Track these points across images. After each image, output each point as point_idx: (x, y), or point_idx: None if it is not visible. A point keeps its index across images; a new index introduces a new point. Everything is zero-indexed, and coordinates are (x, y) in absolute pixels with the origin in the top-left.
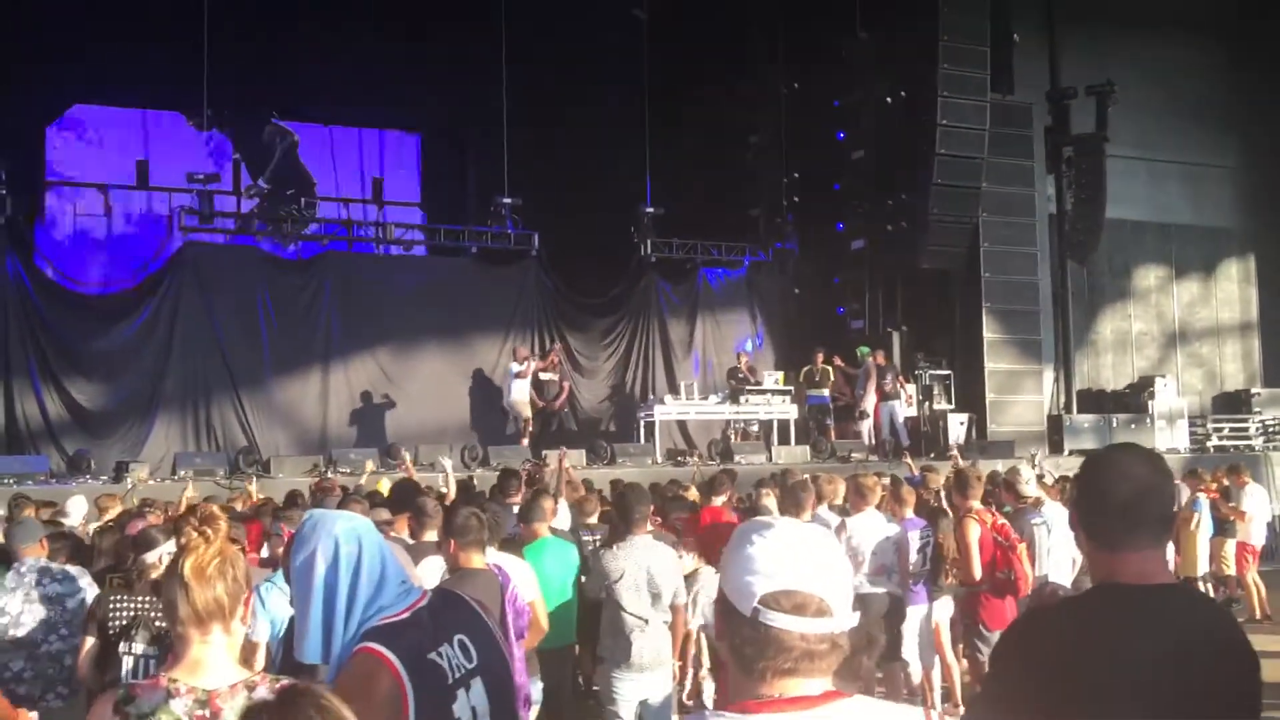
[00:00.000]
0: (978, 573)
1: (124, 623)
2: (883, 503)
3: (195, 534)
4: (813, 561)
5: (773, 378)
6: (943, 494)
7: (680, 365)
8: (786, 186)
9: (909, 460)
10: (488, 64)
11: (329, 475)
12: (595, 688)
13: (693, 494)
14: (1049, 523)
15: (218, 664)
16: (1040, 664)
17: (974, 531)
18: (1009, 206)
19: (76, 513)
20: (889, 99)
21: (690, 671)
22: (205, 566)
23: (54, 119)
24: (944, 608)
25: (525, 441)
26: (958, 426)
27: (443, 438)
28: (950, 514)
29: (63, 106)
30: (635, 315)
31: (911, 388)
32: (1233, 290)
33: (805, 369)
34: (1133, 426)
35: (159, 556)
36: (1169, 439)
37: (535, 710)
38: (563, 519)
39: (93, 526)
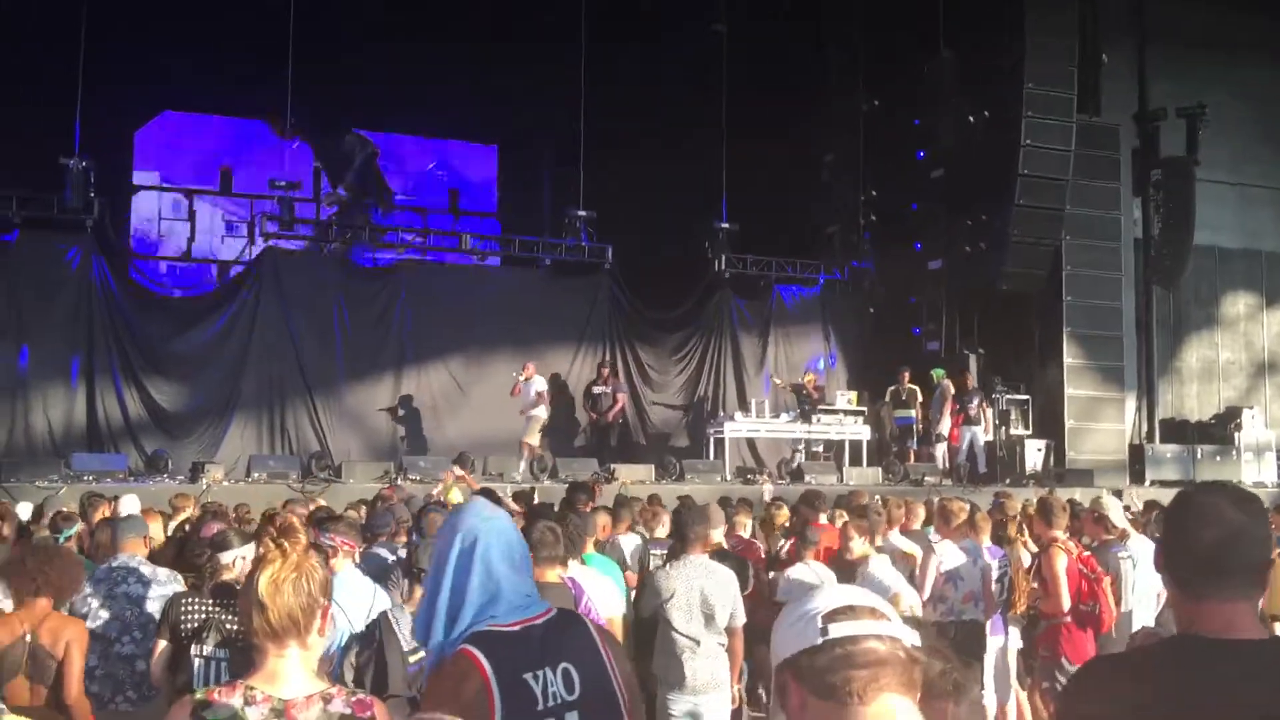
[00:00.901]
0: (1066, 604)
1: (195, 625)
2: (962, 529)
3: (273, 546)
4: (856, 589)
5: (845, 397)
6: (1020, 522)
7: (751, 382)
8: (863, 205)
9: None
10: (566, 77)
11: (399, 483)
12: None
13: (784, 514)
14: (1134, 557)
15: (294, 675)
16: (1108, 716)
17: (1061, 562)
18: (1093, 229)
19: (128, 510)
20: (971, 118)
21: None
22: (281, 580)
23: (142, 124)
24: (1014, 639)
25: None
26: (1035, 453)
27: (513, 449)
28: (1016, 542)
29: (151, 112)
30: (707, 331)
31: (989, 412)
32: None
33: (891, 389)
34: (1218, 459)
35: (234, 559)
36: (1256, 472)
37: None
38: None
39: (173, 525)
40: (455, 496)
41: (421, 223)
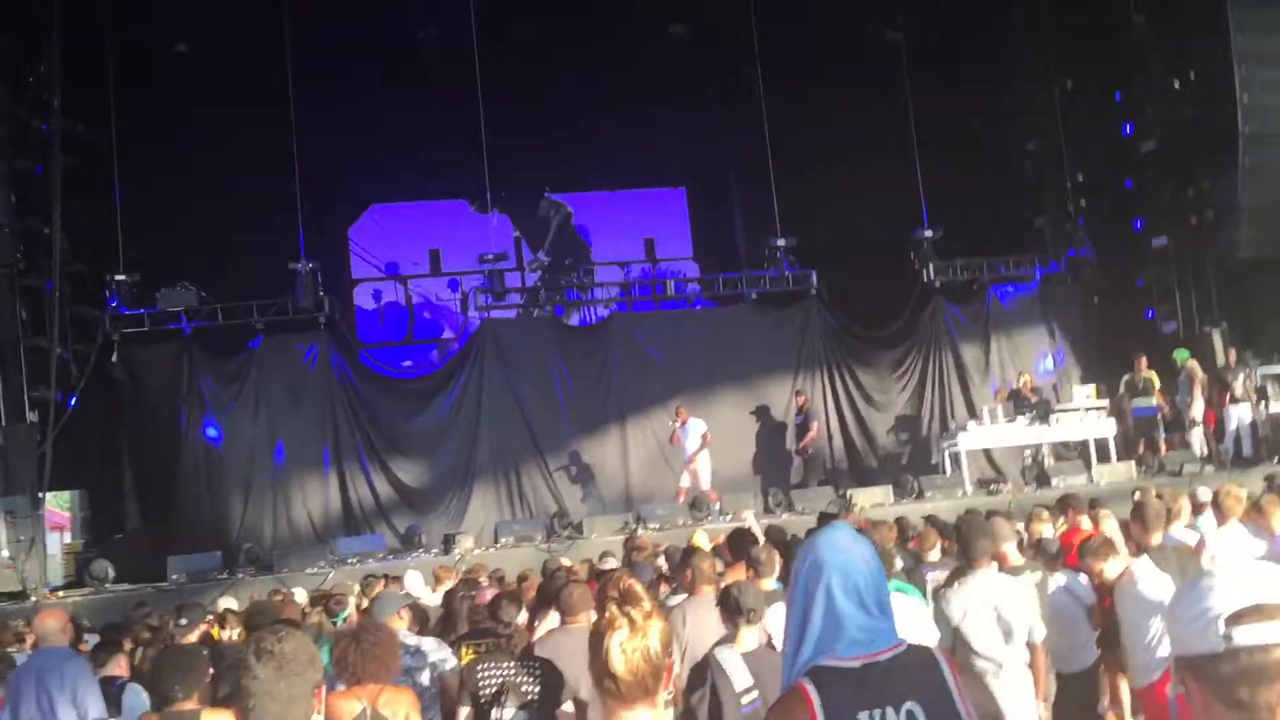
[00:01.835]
0: None
1: (494, 689)
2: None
3: (618, 612)
4: (1266, 581)
5: (1084, 392)
6: None
7: (978, 390)
8: (1072, 190)
9: None
10: (745, 108)
11: (639, 532)
12: None
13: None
14: None
15: None
16: None
17: None
18: None
19: (414, 586)
20: (1177, 82)
21: None
22: (630, 650)
23: (354, 220)
24: None
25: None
26: None
27: (744, 485)
28: None
29: (360, 208)
30: (925, 343)
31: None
32: None
33: (1125, 378)
34: None
35: (512, 624)
36: None
37: None
38: None
39: (441, 592)
40: (701, 540)
41: (622, 275)
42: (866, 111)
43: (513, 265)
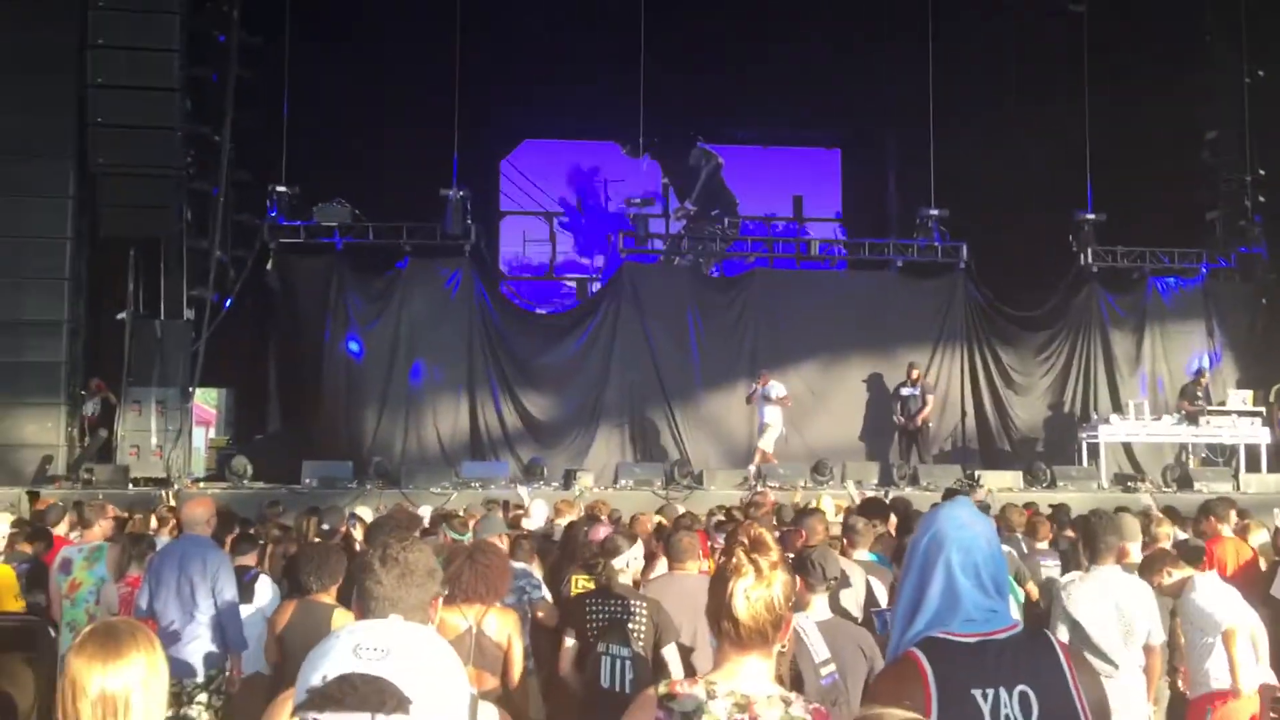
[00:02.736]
0: None
1: (602, 625)
2: None
3: (745, 559)
4: None
5: (1239, 397)
6: None
7: (1126, 383)
8: (1251, 185)
9: None
10: (911, 72)
11: (759, 489)
12: None
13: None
14: None
15: (756, 675)
16: None
17: None
18: None
19: (538, 516)
20: None
21: None
22: (753, 596)
23: (506, 154)
24: None
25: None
26: None
27: (861, 454)
28: None
29: (514, 142)
30: (1075, 329)
31: None
32: None
33: (1277, 387)
34: None
35: (625, 562)
36: None
37: None
38: None
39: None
40: (826, 504)
41: (767, 231)
42: (1040, 83)
43: (659, 211)
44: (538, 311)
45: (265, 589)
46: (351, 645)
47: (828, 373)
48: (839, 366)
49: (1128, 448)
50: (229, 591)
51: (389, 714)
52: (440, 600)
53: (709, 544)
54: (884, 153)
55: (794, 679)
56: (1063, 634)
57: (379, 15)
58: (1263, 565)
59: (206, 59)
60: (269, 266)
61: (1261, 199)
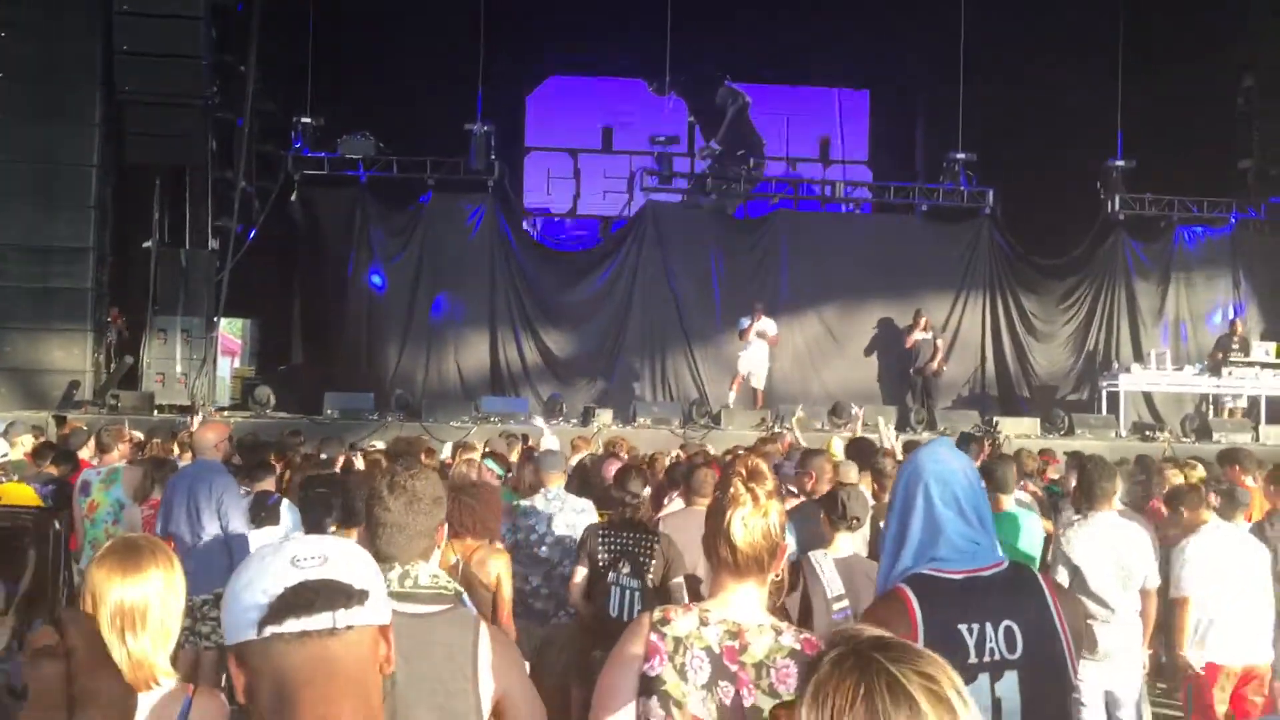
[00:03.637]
0: None
1: (612, 555)
2: None
3: (742, 488)
4: None
5: (1263, 349)
6: None
7: (1148, 333)
8: None
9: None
10: (942, 14)
11: (776, 430)
12: None
13: (1199, 472)
14: None
15: (748, 604)
16: None
17: None
18: None
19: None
20: None
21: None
22: (750, 523)
23: (532, 90)
24: None
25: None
26: None
27: (887, 398)
28: None
29: (540, 78)
30: (1099, 277)
31: None
32: None
33: None
34: None
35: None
36: None
37: None
38: None
39: (573, 461)
40: (836, 446)
41: (793, 172)
42: (1073, 26)
43: (683, 150)
44: (560, 249)
45: (291, 513)
46: (287, 558)
47: (848, 316)
48: (860, 311)
49: (1148, 397)
50: (235, 516)
51: (349, 609)
52: (444, 527)
53: None
54: (913, 96)
55: (804, 612)
56: (1062, 578)
57: None
58: None
59: None
60: (293, 198)
61: None
